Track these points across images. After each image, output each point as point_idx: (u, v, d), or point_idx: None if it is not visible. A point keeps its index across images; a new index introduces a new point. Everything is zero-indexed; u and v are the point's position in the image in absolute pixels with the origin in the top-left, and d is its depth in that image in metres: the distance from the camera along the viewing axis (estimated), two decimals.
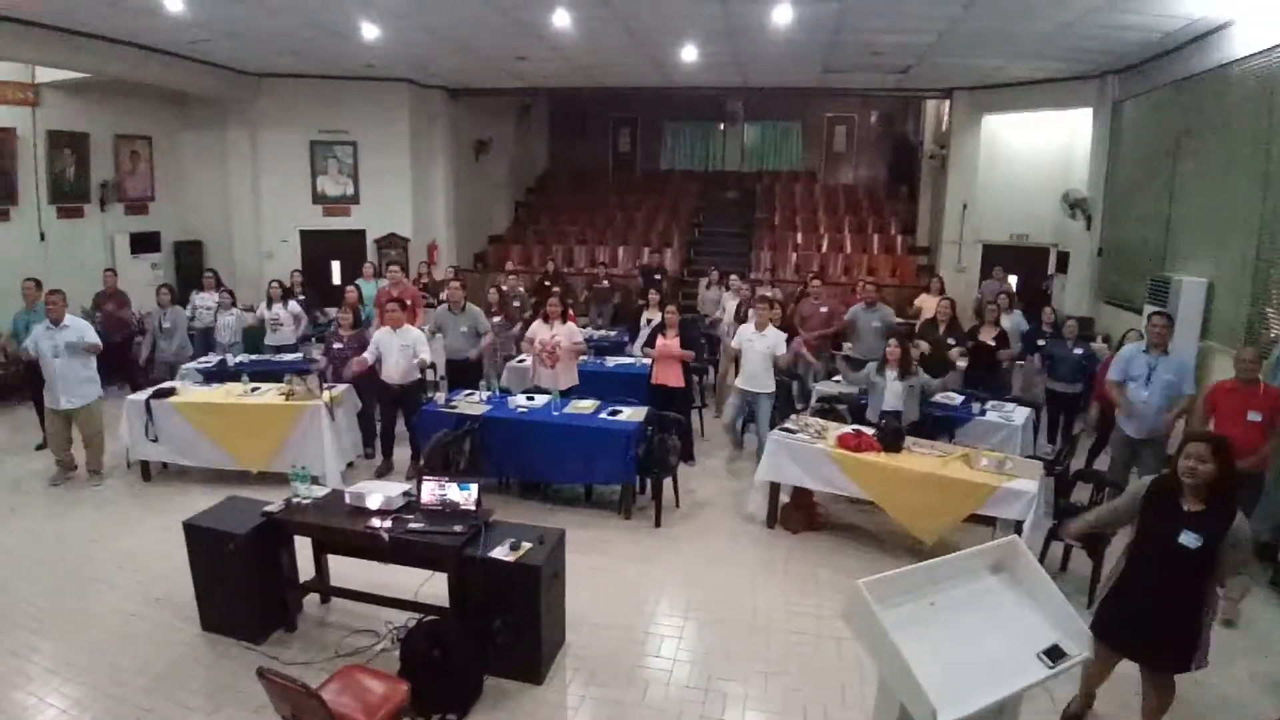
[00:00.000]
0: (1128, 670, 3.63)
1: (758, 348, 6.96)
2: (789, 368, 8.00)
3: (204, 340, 9.30)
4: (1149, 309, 8.18)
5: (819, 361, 8.69)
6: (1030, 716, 3.62)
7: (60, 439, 6.77)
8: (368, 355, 6.89)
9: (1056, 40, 8.66)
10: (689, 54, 10.26)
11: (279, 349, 8.83)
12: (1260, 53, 6.94)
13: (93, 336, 6.70)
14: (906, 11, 8.05)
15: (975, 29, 8.44)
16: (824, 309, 8.86)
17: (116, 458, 7.08)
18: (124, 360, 9.19)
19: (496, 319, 8.69)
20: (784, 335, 7.15)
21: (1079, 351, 7.43)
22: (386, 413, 7.21)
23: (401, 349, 6.83)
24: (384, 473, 7.04)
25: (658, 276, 11.76)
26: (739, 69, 11.56)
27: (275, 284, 9.18)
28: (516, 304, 9.86)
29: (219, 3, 7.97)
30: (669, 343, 7.22)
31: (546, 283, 10.90)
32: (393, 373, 6.89)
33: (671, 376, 7.25)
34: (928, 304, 9.79)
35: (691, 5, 8.21)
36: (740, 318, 9.01)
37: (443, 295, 8.39)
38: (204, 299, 9.57)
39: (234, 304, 9.34)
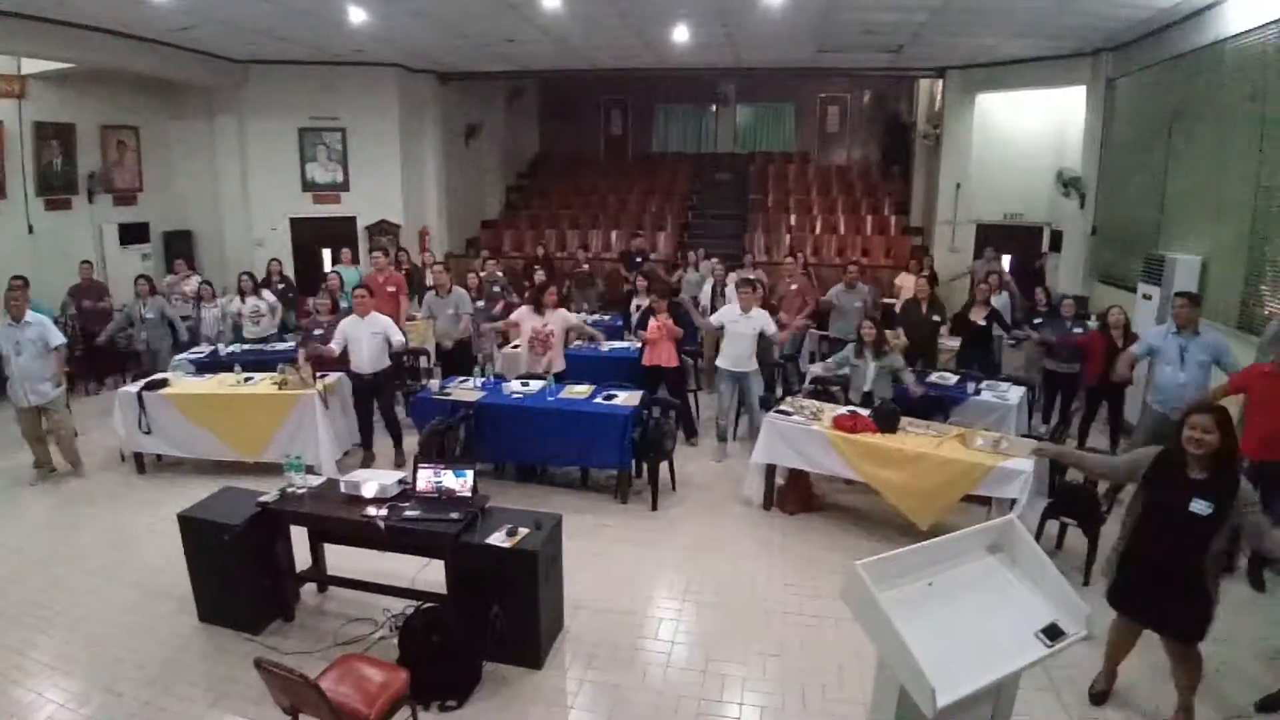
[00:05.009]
0: (1150, 643, 3.71)
1: (743, 329, 6.96)
2: (782, 345, 8.02)
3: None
4: (1143, 287, 8.22)
5: (792, 337, 8.76)
6: (1028, 695, 3.65)
7: (33, 436, 6.72)
8: (334, 345, 6.79)
9: (1050, 18, 8.60)
10: (680, 34, 10.16)
11: (261, 340, 8.71)
12: (1253, 29, 6.89)
13: (55, 337, 6.60)
14: None
15: (968, 6, 8.37)
16: (794, 286, 8.87)
17: (110, 451, 7.05)
18: (109, 355, 9.11)
19: (479, 303, 8.65)
20: (768, 315, 7.16)
21: (1077, 331, 7.42)
22: (362, 404, 7.09)
23: (371, 337, 6.76)
24: (366, 464, 6.93)
25: (639, 260, 11.68)
26: (731, 49, 11.47)
27: (245, 276, 9.02)
28: (497, 289, 9.82)
29: None
30: (664, 322, 7.21)
31: (536, 266, 10.84)
32: (363, 362, 6.80)
33: (664, 356, 7.24)
34: (907, 283, 9.79)
35: None
36: (718, 295, 9.01)
37: (429, 280, 8.35)
38: (175, 283, 9.52)
39: (214, 295, 9.25)
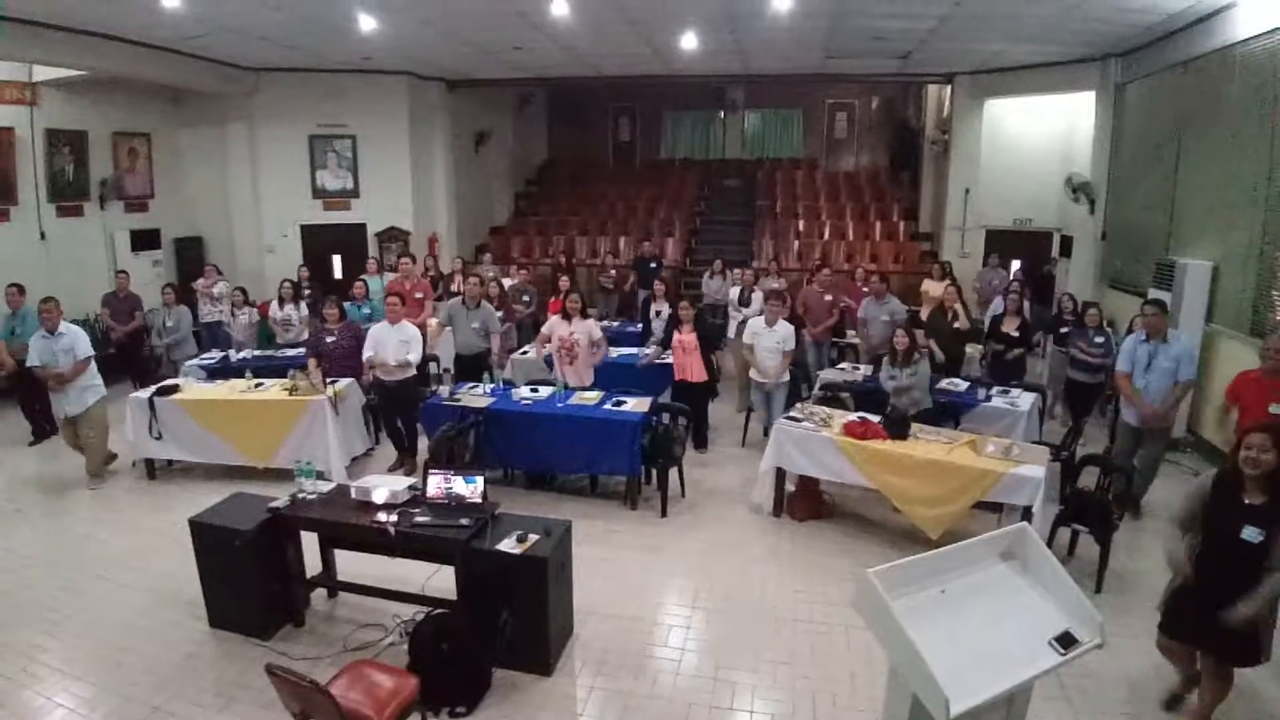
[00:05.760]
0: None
1: (767, 343, 6.98)
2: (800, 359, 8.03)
3: (210, 336, 9.29)
4: (1154, 293, 8.15)
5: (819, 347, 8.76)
6: (1041, 703, 3.62)
7: (74, 445, 6.77)
8: (367, 352, 6.75)
9: (1059, 23, 8.58)
10: (689, 41, 10.19)
11: (291, 347, 8.74)
12: (1263, 34, 6.87)
13: (85, 348, 6.61)
14: None
15: (977, 12, 8.37)
16: (828, 297, 8.82)
17: (122, 456, 7.08)
18: (134, 359, 9.18)
19: (498, 313, 8.65)
20: (793, 329, 7.18)
21: (1100, 340, 7.38)
22: (385, 410, 7.07)
23: (399, 344, 6.74)
24: (401, 466, 6.95)
25: (653, 265, 11.70)
26: (740, 56, 11.49)
27: (287, 283, 9.10)
28: (526, 298, 9.84)
29: None
30: (684, 338, 7.20)
31: (560, 275, 10.86)
32: (388, 368, 6.79)
33: (693, 371, 7.22)
34: (934, 290, 9.76)
35: None
36: (743, 302, 9.00)
37: (454, 287, 8.36)
38: (207, 286, 9.59)
39: (246, 302, 9.30)
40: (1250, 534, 3.23)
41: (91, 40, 9.10)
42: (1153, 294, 8.16)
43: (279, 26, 9.19)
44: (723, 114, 18.66)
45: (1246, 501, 3.29)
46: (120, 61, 9.74)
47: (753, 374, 7.20)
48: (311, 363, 6.91)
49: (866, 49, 10.76)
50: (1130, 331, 7.11)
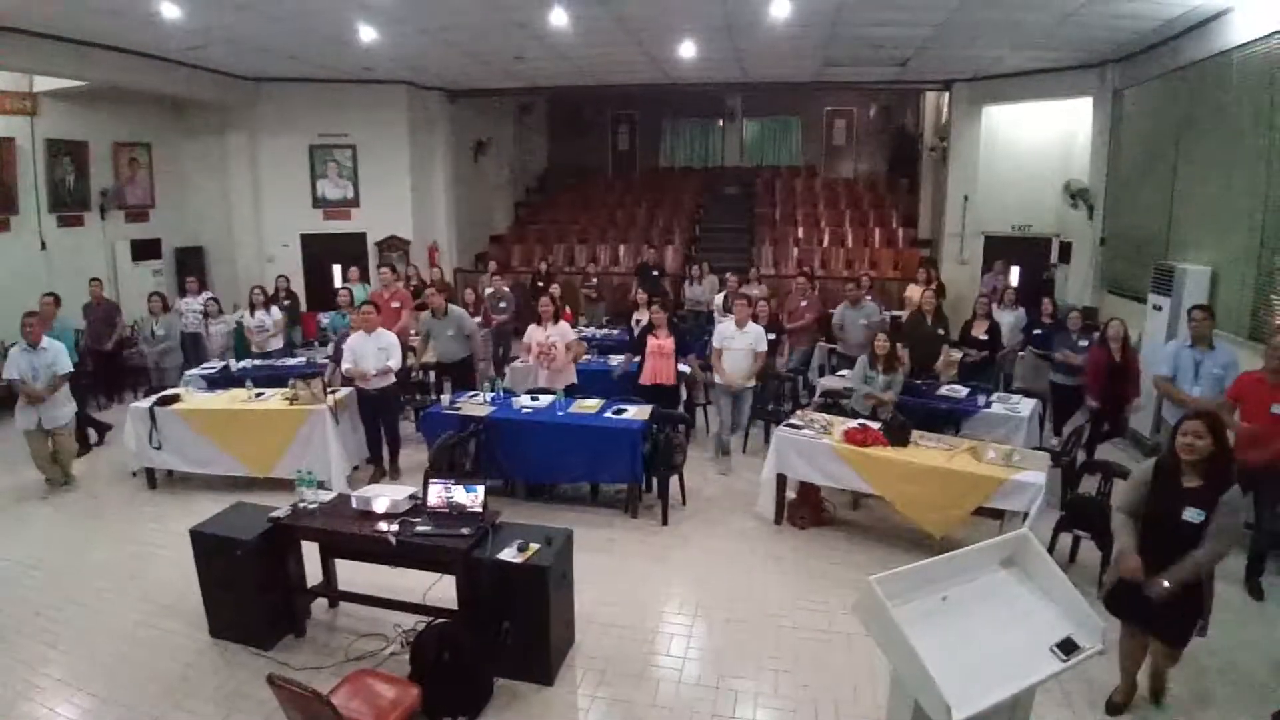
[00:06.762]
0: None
1: (739, 345, 6.96)
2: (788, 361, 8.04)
3: (192, 346, 9.29)
4: (1153, 298, 8.19)
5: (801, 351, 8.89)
6: (1043, 709, 3.62)
7: (43, 456, 6.80)
8: (346, 364, 6.75)
9: (1057, 30, 8.62)
10: (687, 50, 10.23)
11: (265, 355, 8.76)
12: (1260, 39, 6.89)
13: (65, 364, 6.71)
14: (906, 3, 8.02)
15: (975, 20, 8.40)
16: (803, 302, 8.91)
17: (121, 466, 7.09)
18: (117, 370, 9.18)
19: (475, 319, 8.65)
20: (763, 331, 7.18)
21: (1084, 344, 7.39)
22: (367, 419, 7.02)
23: (377, 352, 6.72)
24: (376, 479, 6.87)
25: (655, 274, 11.73)
26: (738, 64, 11.52)
27: (258, 290, 9.13)
28: (503, 304, 9.84)
29: (217, 10, 7.95)
30: (662, 342, 7.18)
31: (540, 283, 10.87)
32: (366, 379, 6.76)
33: (665, 374, 7.19)
34: (916, 294, 9.79)
35: (689, 1, 8.19)
36: (727, 308, 9.04)
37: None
38: (189, 304, 9.60)
39: (220, 311, 9.32)
40: (1191, 515, 3.37)
41: (92, 51, 9.15)
42: (1152, 299, 8.21)
43: (279, 37, 9.23)
44: (721, 122, 18.71)
45: (1185, 485, 3.44)
46: (121, 72, 9.78)
47: (717, 377, 7.14)
48: (329, 367, 6.91)
49: (865, 57, 10.79)
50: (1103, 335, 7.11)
